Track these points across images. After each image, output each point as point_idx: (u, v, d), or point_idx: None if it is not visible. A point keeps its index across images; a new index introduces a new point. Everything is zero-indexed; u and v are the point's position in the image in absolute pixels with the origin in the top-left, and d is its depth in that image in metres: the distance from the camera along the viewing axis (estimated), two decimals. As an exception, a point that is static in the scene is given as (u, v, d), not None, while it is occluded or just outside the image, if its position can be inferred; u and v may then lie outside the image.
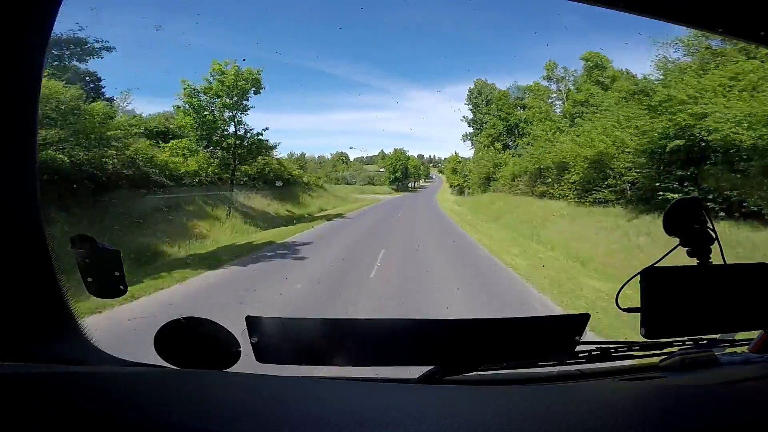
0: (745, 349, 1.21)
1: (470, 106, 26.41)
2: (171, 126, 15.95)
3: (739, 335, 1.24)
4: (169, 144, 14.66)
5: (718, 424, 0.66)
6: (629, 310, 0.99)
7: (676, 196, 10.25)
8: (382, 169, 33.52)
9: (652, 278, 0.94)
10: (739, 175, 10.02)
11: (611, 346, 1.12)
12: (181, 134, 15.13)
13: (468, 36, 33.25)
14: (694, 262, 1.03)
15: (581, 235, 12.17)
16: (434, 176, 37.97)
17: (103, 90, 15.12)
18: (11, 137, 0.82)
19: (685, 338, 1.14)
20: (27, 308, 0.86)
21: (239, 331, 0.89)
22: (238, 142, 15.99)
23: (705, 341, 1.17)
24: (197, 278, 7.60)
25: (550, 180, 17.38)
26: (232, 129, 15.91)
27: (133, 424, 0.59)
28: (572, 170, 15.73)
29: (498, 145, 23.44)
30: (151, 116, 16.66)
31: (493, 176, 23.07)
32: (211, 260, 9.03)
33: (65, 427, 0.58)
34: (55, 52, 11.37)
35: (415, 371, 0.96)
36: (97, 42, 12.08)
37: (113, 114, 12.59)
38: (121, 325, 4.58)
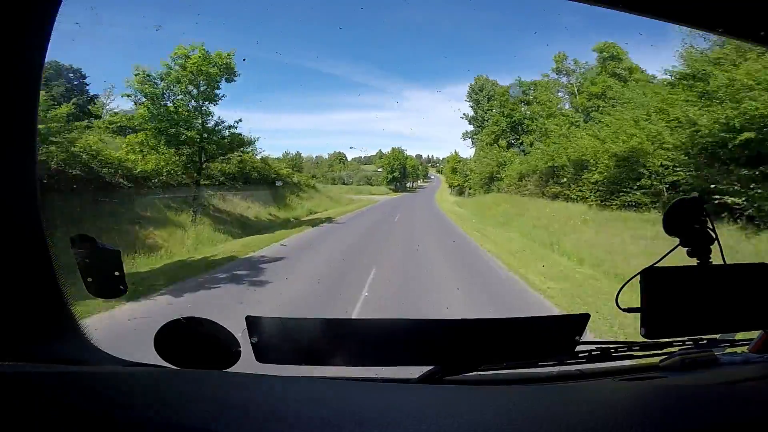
0: (745, 349, 1.21)
1: (471, 103, 25.55)
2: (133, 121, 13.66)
3: (739, 335, 1.24)
4: (126, 139, 12.75)
5: (718, 424, 0.66)
6: (629, 310, 0.99)
7: (739, 201, 9.04)
8: (379, 169, 33.08)
9: (652, 278, 0.94)
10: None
11: (611, 346, 1.12)
12: (139, 128, 13.06)
13: (468, 36, 33.22)
14: (694, 262, 1.03)
15: (613, 245, 9.82)
16: (432, 176, 37.86)
17: (87, 87, 14.36)
18: (11, 137, 0.82)
19: (685, 338, 1.14)
20: (27, 308, 0.86)
21: (239, 331, 0.89)
22: (205, 136, 13.79)
23: (705, 341, 1.17)
24: (93, 319, 4.92)
25: (565, 180, 15.65)
26: (200, 122, 13.79)
27: (133, 424, 0.59)
28: (593, 169, 13.94)
29: (503, 143, 22.27)
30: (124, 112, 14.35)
31: (497, 176, 21.85)
32: (140, 285, 6.73)
33: (65, 427, 0.58)
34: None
35: (415, 371, 0.96)
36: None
37: (51, 105, 10.47)
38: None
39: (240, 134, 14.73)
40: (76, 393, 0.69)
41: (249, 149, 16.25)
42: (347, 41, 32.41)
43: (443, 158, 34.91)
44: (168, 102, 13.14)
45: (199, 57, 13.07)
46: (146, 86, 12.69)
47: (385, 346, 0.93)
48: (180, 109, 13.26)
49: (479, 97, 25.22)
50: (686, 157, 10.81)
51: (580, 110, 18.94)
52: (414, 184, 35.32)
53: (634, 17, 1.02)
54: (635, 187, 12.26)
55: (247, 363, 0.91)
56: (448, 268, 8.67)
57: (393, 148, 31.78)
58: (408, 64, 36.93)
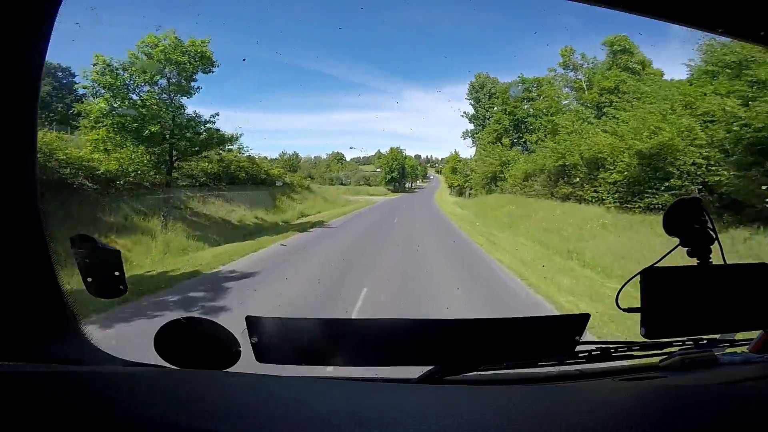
0: (745, 349, 1.21)
1: (472, 101, 24.85)
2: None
3: (739, 335, 1.24)
4: (89, 136, 11.36)
5: (718, 424, 0.66)
6: (629, 310, 0.99)
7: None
8: (378, 170, 32.71)
9: (652, 278, 0.94)
10: None
11: (611, 346, 1.12)
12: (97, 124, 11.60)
13: (468, 36, 33.27)
14: (694, 262, 1.03)
15: (642, 254, 8.48)
16: (431, 176, 37.76)
17: (76, 86, 13.01)
18: (11, 137, 0.82)
19: (685, 338, 1.14)
20: (27, 308, 0.86)
21: (239, 331, 0.89)
22: (176, 132, 12.32)
23: (705, 341, 1.17)
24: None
25: (578, 180, 14.49)
26: (169, 116, 12.36)
27: (133, 424, 0.59)
28: (611, 167, 12.77)
29: (506, 141, 21.41)
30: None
31: (501, 176, 20.86)
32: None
33: (65, 427, 0.58)
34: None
35: (415, 371, 0.96)
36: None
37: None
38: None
39: (218, 130, 13.36)
40: (76, 393, 0.69)
41: (233, 147, 15.04)
42: (347, 41, 32.48)
43: (442, 158, 34.83)
44: (133, 95, 11.92)
45: (168, 45, 11.73)
46: (106, 77, 11.38)
47: (385, 346, 0.93)
48: (148, 103, 11.97)
49: (480, 94, 24.69)
50: (723, 155, 9.63)
51: (589, 106, 17.86)
52: (413, 185, 35.17)
53: (634, 17, 1.02)
54: (662, 188, 11.01)
55: (247, 363, 0.91)
56: (453, 280, 7.28)
57: (392, 148, 31.48)
58: (408, 64, 37.01)
